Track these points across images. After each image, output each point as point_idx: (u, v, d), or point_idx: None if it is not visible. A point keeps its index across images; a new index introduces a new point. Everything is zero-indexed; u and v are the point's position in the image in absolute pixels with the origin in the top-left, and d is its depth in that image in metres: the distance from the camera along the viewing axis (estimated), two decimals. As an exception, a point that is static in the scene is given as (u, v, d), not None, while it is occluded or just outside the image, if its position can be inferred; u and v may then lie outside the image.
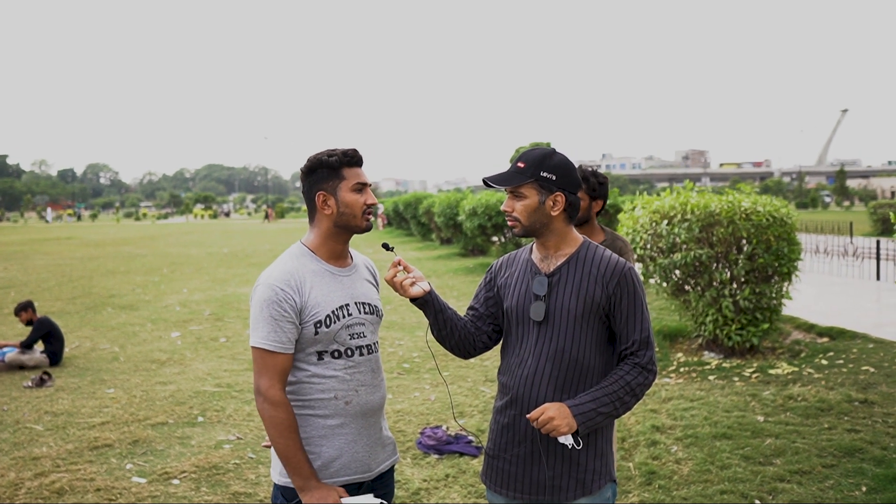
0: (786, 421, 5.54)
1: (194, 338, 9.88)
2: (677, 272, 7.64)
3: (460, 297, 12.38)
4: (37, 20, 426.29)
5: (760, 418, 5.61)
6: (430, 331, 2.49)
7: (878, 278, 13.52)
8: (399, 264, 2.36)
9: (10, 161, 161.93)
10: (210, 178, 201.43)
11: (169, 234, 41.79)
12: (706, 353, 7.78)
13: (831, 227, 18.40)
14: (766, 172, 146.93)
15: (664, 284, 7.87)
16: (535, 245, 2.45)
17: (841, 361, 7.20)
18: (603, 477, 2.34)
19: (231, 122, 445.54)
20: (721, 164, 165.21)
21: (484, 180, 2.36)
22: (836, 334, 8.46)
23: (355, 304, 2.46)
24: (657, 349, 8.02)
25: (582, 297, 2.30)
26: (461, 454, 5.16)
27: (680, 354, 7.85)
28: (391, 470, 2.59)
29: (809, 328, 8.92)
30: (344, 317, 2.40)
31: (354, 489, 2.42)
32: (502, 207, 2.40)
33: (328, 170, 2.41)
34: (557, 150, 2.37)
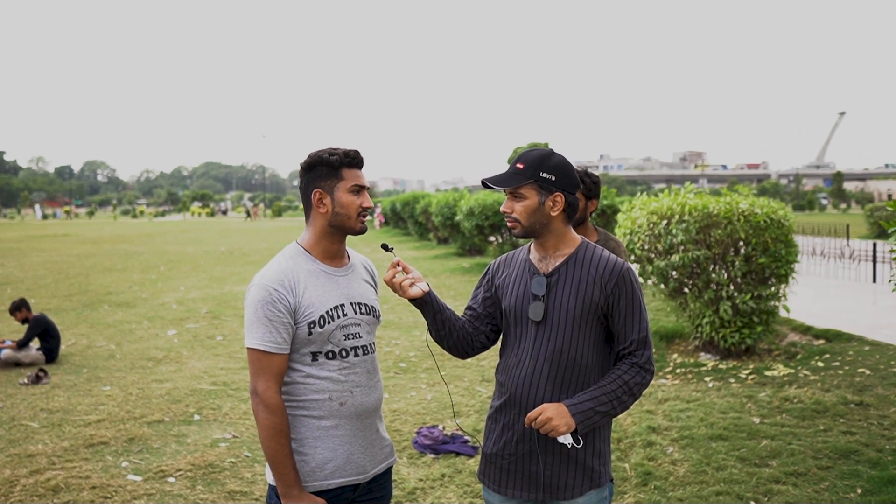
0: (782, 423, 5.54)
1: (191, 336, 9.87)
2: (674, 273, 7.65)
3: (457, 297, 12.38)
4: (34, 17, 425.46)
5: (756, 420, 5.62)
6: (428, 331, 2.48)
7: (874, 281, 13.54)
8: (398, 265, 2.36)
9: (7, 158, 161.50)
10: (208, 175, 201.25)
11: (166, 231, 41.74)
12: (703, 354, 7.79)
13: (828, 229, 18.42)
14: (763, 174, 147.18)
15: (661, 286, 7.88)
16: (533, 245, 2.45)
17: (837, 364, 7.22)
18: (601, 476, 2.34)
19: (229, 121, 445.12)
20: (696, 166, 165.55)
21: (483, 181, 2.36)
22: (832, 336, 8.48)
23: (351, 304, 2.44)
24: (654, 350, 8.02)
25: (580, 297, 2.30)
26: (457, 454, 5.16)
27: (676, 356, 7.86)
28: (388, 472, 2.57)
29: (806, 330, 8.93)
30: (339, 317, 2.39)
31: (350, 491, 2.40)
32: (502, 209, 2.39)
33: (327, 168, 2.39)
34: (556, 150, 2.37)
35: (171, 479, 4.86)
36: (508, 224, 2.37)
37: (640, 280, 8.23)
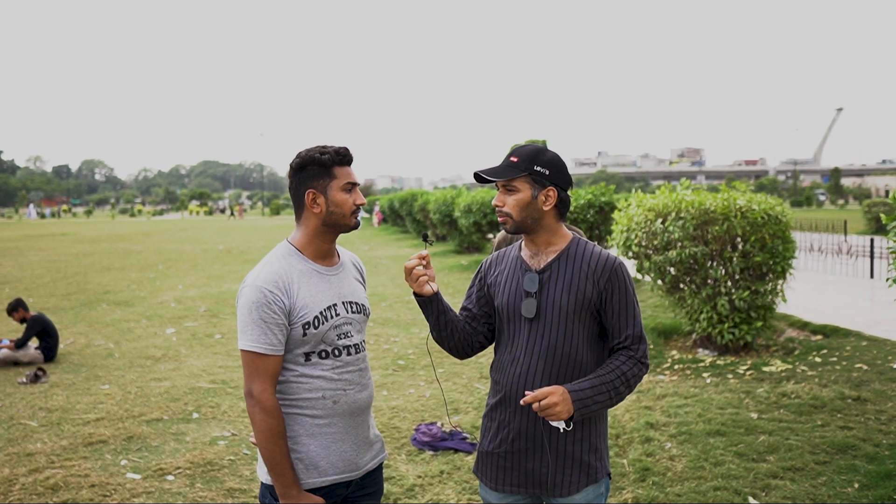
0: (779, 418, 5.56)
1: (189, 334, 9.87)
2: (672, 270, 7.66)
3: (455, 294, 12.38)
4: (32, 17, 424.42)
5: (754, 415, 5.63)
6: (430, 332, 2.48)
7: (871, 276, 13.56)
8: (424, 258, 2.34)
9: (4, 157, 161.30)
10: (206, 174, 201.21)
11: (164, 230, 41.71)
12: (700, 350, 7.80)
13: (825, 225, 18.46)
14: (760, 171, 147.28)
15: (659, 282, 7.88)
16: (524, 242, 2.45)
17: (834, 359, 7.23)
18: (598, 471, 2.35)
19: (227, 119, 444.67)
20: (671, 163, 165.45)
21: (476, 174, 2.35)
22: (829, 332, 8.49)
23: (343, 303, 2.44)
24: (651, 346, 8.04)
25: (573, 292, 2.30)
26: (456, 450, 5.17)
27: (674, 352, 7.87)
28: (380, 467, 2.59)
29: (803, 326, 8.94)
30: (332, 317, 2.38)
31: (343, 487, 2.41)
32: (493, 202, 2.38)
33: (319, 167, 2.38)
34: (550, 147, 2.37)
35: (170, 477, 4.87)
36: (500, 219, 2.36)
37: (638, 276, 8.24)
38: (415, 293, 2.40)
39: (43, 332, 8.36)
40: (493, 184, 2.38)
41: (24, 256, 23.02)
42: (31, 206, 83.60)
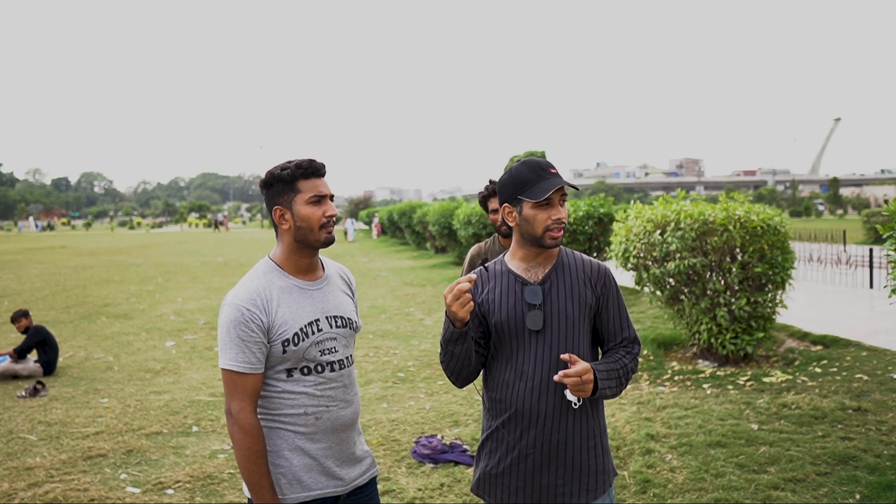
0: (780, 429, 5.55)
1: (189, 347, 9.85)
2: (671, 281, 7.66)
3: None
4: (32, 29, 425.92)
5: (755, 426, 5.62)
6: (446, 365, 2.37)
7: (871, 286, 13.55)
8: (472, 283, 2.20)
9: (3, 170, 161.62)
10: (205, 186, 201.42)
11: (163, 242, 41.70)
12: (700, 361, 7.79)
13: (825, 235, 18.47)
14: (759, 181, 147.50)
15: (658, 293, 7.88)
16: (510, 256, 2.42)
17: (835, 369, 7.22)
18: (609, 475, 2.38)
19: (226, 131, 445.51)
20: (647, 174, 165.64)
21: (550, 182, 2.26)
22: (829, 342, 8.48)
23: (326, 318, 2.39)
24: (651, 357, 8.03)
25: (576, 300, 2.33)
26: (456, 463, 5.16)
27: (674, 363, 7.86)
28: (371, 483, 2.54)
29: (803, 336, 8.93)
30: (313, 333, 2.34)
31: (331, 502, 2.38)
32: (560, 216, 2.29)
33: (283, 184, 2.35)
34: (549, 159, 2.38)
35: (170, 491, 4.85)
36: (559, 234, 2.30)
37: (636, 287, 8.25)
38: (451, 321, 2.26)
39: (43, 343, 8.37)
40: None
41: (24, 269, 23.01)
42: (31, 218, 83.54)
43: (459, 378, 2.40)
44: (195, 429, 6.20)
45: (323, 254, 2.53)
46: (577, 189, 2.36)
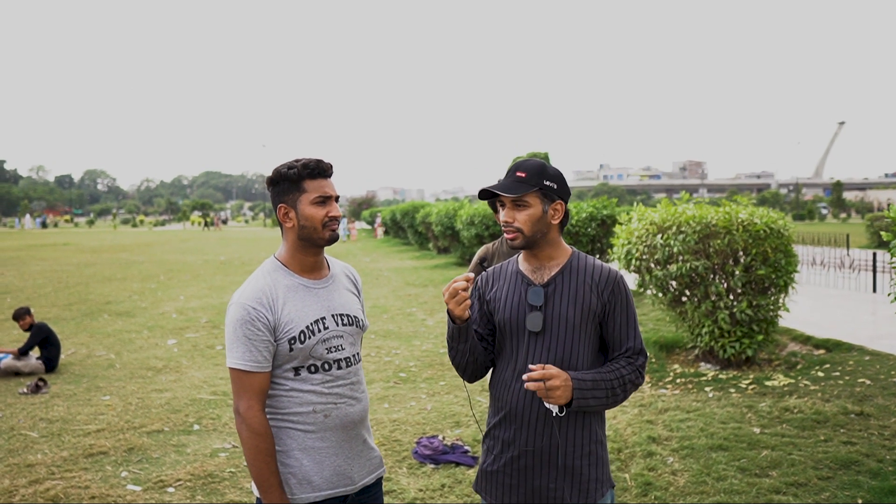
0: (782, 433, 5.54)
1: (190, 345, 9.86)
2: (673, 283, 7.65)
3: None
4: (35, 26, 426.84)
5: (757, 430, 5.61)
6: (452, 360, 2.42)
7: (874, 290, 13.53)
8: (470, 281, 2.26)
9: (7, 166, 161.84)
10: (208, 185, 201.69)
11: (166, 241, 41.76)
12: (703, 364, 7.78)
13: (828, 239, 18.44)
14: (763, 184, 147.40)
15: (660, 295, 7.88)
16: (523, 256, 2.43)
17: (837, 373, 7.21)
18: (603, 484, 2.34)
19: (229, 130, 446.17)
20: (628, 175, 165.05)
21: (483, 190, 2.32)
22: (832, 346, 8.47)
23: (332, 316, 2.41)
24: (653, 360, 8.02)
25: (579, 305, 2.30)
26: (457, 464, 5.15)
27: (676, 366, 7.85)
28: (378, 482, 2.55)
29: (806, 340, 8.92)
30: (320, 331, 2.36)
31: (339, 502, 2.39)
32: (503, 219, 2.34)
33: (288, 182, 2.37)
34: (553, 161, 2.37)
35: (171, 489, 4.85)
36: (509, 236, 2.33)
37: (639, 290, 8.23)
38: (451, 318, 2.32)
39: (45, 341, 8.39)
40: (498, 200, 2.37)
41: (26, 266, 23.05)
42: (29, 216, 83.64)
43: (466, 373, 2.43)
44: (196, 427, 6.20)
45: (326, 253, 2.54)
46: (509, 195, 2.28)
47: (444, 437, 5.63)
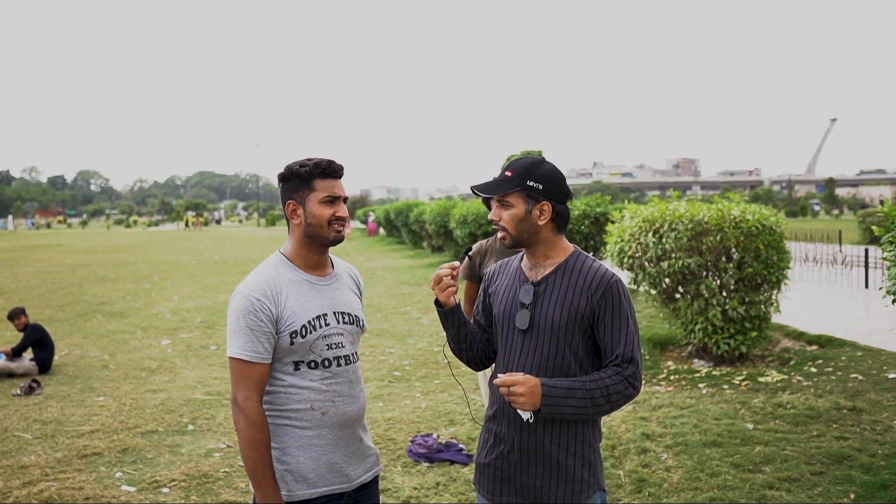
0: (775, 429, 5.56)
1: (185, 346, 9.84)
2: (667, 280, 7.67)
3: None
4: (29, 26, 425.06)
5: (750, 426, 5.64)
6: (448, 344, 2.50)
7: (866, 286, 13.59)
8: (454, 269, 2.37)
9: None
10: (201, 185, 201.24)
11: (160, 241, 41.65)
12: (696, 360, 7.80)
13: (820, 235, 18.50)
14: (755, 181, 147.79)
15: (653, 292, 7.90)
16: (525, 253, 2.45)
17: (830, 369, 7.24)
18: (591, 487, 2.30)
19: (222, 130, 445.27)
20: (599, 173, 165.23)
21: (472, 189, 2.35)
22: (825, 342, 8.51)
23: (334, 314, 2.43)
24: (647, 357, 8.04)
25: (566, 307, 2.27)
26: (452, 462, 5.16)
27: (670, 362, 7.87)
28: (375, 480, 2.56)
29: (799, 336, 8.96)
30: (321, 327, 2.37)
31: (335, 499, 2.39)
32: (490, 216, 2.37)
33: (299, 180, 2.39)
34: (546, 159, 2.36)
35: (165, 490, 4.85)
36: (499, 234, 2.35)
37: (633, 287, 8.24)
38: (437, 304, 2.43)
39: (39, 341, 8.36)
40: (489, 198, 2.38)
41: (19, 267, 22.97)
42: (11, 217, 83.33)
43: (466, 360, 2.50)
44: (191, 427, 6.19)
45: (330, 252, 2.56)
46: (489, 195, 2.32)
47: (438, 436, 5.64)
